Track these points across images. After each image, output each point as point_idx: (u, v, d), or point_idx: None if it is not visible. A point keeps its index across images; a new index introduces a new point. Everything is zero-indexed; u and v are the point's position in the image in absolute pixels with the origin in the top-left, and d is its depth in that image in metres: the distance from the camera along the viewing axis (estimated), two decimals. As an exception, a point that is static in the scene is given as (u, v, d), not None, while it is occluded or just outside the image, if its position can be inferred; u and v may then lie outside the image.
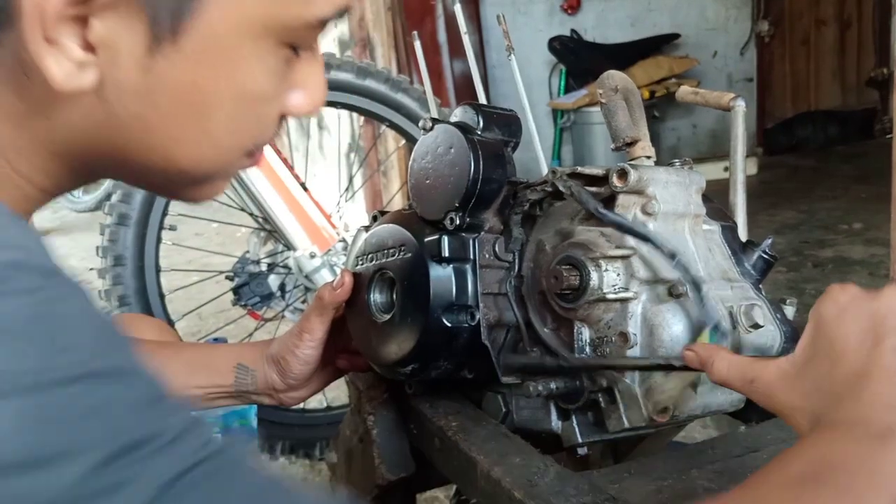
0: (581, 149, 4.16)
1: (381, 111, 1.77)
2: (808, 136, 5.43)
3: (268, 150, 1.62)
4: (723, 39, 5.08)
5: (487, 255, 0.77)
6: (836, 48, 5.55)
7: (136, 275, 1.58)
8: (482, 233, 0.78)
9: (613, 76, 0.81)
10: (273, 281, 1.77)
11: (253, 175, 1.60)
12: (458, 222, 0.75)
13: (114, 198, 1.59)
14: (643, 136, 0.81)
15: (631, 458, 0.88)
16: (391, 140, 3.55)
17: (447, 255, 0.75)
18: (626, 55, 4.28)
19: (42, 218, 4.86)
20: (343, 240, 1.72)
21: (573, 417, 0.74)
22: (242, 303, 1.75)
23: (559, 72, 4.53)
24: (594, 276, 0.72)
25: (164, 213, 1.63)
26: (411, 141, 1.84)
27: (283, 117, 0.54)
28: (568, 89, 4.45)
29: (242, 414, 1.40)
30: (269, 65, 0.49)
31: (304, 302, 1.80)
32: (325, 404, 1.85)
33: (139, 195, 1.59)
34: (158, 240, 1.63)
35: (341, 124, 3.88)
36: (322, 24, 0.50)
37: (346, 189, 1.90)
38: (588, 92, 4.19)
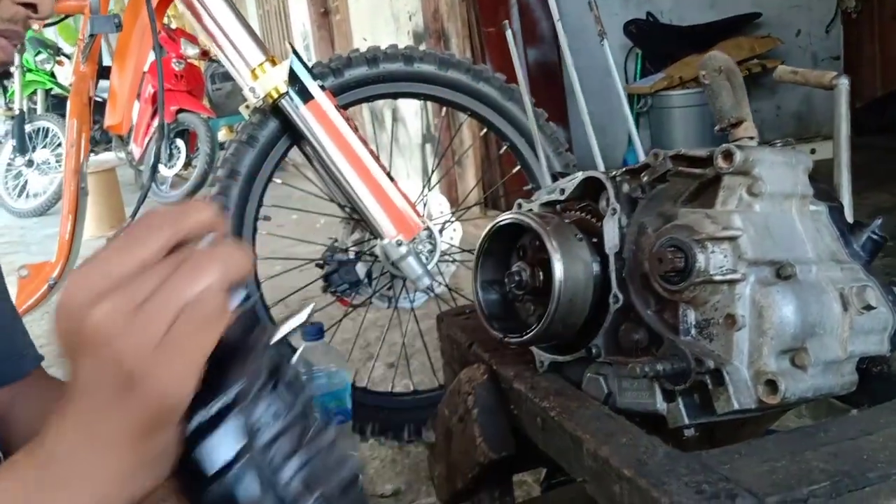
0: (659, 133, 4.08)
1: (463, 101, 1.79)
2: (900, 115, 5.19)
3: (355, 141, 1.66)
4: (806, 17, 4.90)
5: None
6: (930, 22, 5.27)
7: (233, 263, 1.64)
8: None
9: (716, 57, 0.81)
10: (361, 268, 1.81)
11: (341, 165, 1.64)
12: None
13: (213, 190, 1.66)
14: (747, 117, 0.80)
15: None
16: (466, 131, 3.57)
17: None
18: (705, 37, 4.17)
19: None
20: (428, 228, 1.75)
21: (679, 399, 0.74)
22: (332, 290, 1.80)
23: (635, 56, 4.45)
24: (700, 257, 0.72)
25: (260, 204, 1.69)
26: (492, 130, 1.85)
27: None
28: (644, 73, 4.37)
29: (338, 395, 1.44)
30: None
31: (389, 289, 1.84)
32: (411, 388, 1.89)
33: (236, 188, 1.65)
34: (254, 229, 1.69)
35: (415, 116, 3.92)
36: None
37: (429, 179, 1.92)
38: (665, 75, 4.11)
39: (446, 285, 1.81)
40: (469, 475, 0.92)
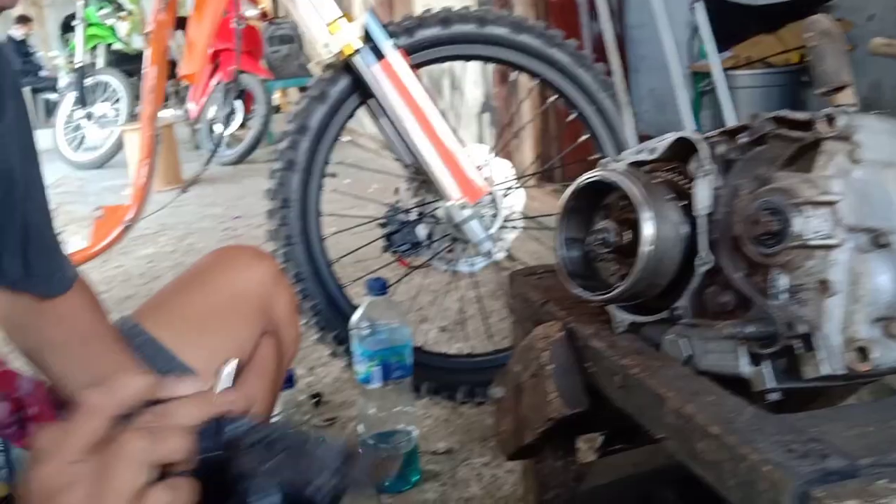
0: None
1: (534, 66, 1.78)
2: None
3: (425, 101, 1.66)
4: (881, 1, 4.72)
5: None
6: None
7: (300, 217, 1.67)
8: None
9: (821, 20, 0.79)
10: (422, 230, 1.82)
11: (410, 124, 1.65)
12: None
13: (282, 145, 1.68)
14: (850, 83, 0.78)
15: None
16: (526, 102, 3.54)
17: None
18: (775, 17, 4.05)
19: (188, 170, 5.17)
20: (491, 193, 1.75)
21: (765, 362, 0.74)
22: (393, 249, 1.82)
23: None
24: (797, 221, 0.71)
25: (327, 161, 1.71)
26: (561, 97, 1.84)
27: None
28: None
29: (399, 351, 1.47)
30: None
31: (450, 251, 1.86)
32: (465, 351, 1.91)
33: (305, 143, 1.67)
34: (320, 186, 1.71)
35: (473, 85, 3.90)
36: None
37: (495, 144, 1.92)
38: (732, 54, 4.01)
39: (506, 251, 1.81)
40: (539, 430, 0.93)
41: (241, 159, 5.56)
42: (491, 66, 3.74)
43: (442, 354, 1.86)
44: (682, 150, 0.84)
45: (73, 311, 0.87)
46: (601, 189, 0.88)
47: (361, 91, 1.69)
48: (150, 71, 1.84)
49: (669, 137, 0.84)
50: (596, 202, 0.89)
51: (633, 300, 0.84)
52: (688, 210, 0.81)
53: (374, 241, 1.86)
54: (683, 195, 0.81)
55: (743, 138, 0.78)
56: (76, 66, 6.16)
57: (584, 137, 1.88)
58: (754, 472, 0.61)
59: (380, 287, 1.47)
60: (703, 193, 0.79)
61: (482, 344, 2.00)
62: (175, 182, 4.80)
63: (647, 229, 0.78)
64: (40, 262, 0.83)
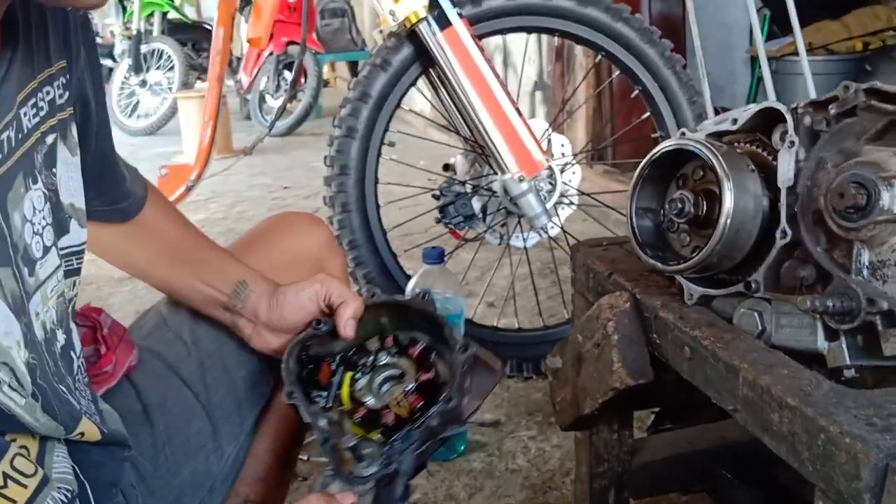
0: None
1: (599, 40, 1.75)
2: None
3: (488, 72, 1.66)
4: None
5: None
6: None
7: (358, 185, 1.68)
8: None
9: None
10: (476, 202, 1.82)
11: (471, 95, 1.64)
12: None
13: (343, 112, 1.69)
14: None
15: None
16: (580, 78, 3.50)
17: None
18: (840, 2, 3.93)
19: (238, 140, 5.22)
20: (550, 168, 1.74)
21: (842, 338, 0.73)
22: (446, 221, 1.82)
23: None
24: (885, 195, 0.69)
25: (386, 129, 1.71)
26: (626, 73, 1.81)
27: None
28: (770, 36, 4.17)
29: (453, 320, 1.47)
30: None
31: (503, 226, 1.85)
32: (516, 325, 1.91)
33: (365, 110, 1.68)
34: (379, 154, 1.72)
35: (528, 63, 3.86)
36: None
37: (554, 118, 1.90)
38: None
39: (561, 227, 1.80)
40: (599, 400, 0.93)
41: (289, 131, 5.61)
42: (546, 43, 3.70)
43: (492, 328, 1.86)
44: (766, 121, 0.82)
45: (156, 224, 0.92)
46: (677, 159, 0.86)
47: (423, 60, 1.69)
48: (217, 32, 1.87)
49: (754, 107, 0.83)
50: (671, 172, 0.88)
51: (706, 272, 0.83)
52: (768, 182, 0.79)
53: (426, 212, 1.87)
54: (765, 167, 0.80)
55: (832, 110, 0.76)
56: (132, 33, 6.25)
57: (644, 116, 1.85)
58: (833, 444, 0.60)
59: (437, 256, 1.48)
60: (786, 165, 0.77)
61: (530, 320, 2.00)
62: (227, 151, 4.86)
63: (727, 200, 0.77)
64: (115, 190, 0.87)
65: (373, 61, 1.69)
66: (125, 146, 5.81)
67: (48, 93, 0.68)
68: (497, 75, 1.67)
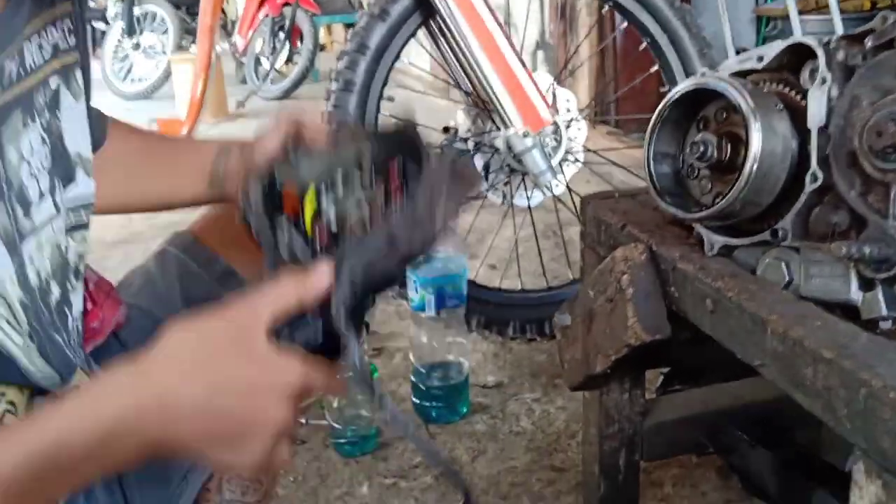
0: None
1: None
2: None
3: (491, 22, 1.59)
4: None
5: None
6: None
7: (356, 140, 1.62)
8: None
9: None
10: (478, 160, 1.76)
11: (474, 46, 1.57)
12: None
13: (340, 64, 1.62)
14: None
15: None
16: (582, 36, 3.41)
17: None
18: (849, -42, 3.83)
19: (234, 104, 5.13)
20: (555, 123, 1.68)
21: (879, 287, 0.68)
22: (447, 179, 1.76)
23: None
24: (928, 133, 0.64)
25: (385, 83, 1.65)
26: (633, 24, 1.74)
27: None
28: (776, -6, 4.08)
29: (454, 280, 1.43)
30: None
31: (506, 184, 1.79)
32: (520, 287, 1.86)
33: (363, 63, 1.61)
34: (378, 109, 1.65)
35: (531, 23, 3.77)
36: None
37: (560, 72, 1.83)
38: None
39: (566, 186, 1.74)
40: (612, 358, 0.88)
41: (285, 95, 5.51)
42: (548, 2, 3.61)
43: (495, 289, 1.81)
44: (795, 59, 0.76)
45: (123, 147, 0.86)
46: (698, 100, 0.81)
47: (424, 9, 1.62)
48: (207, -18, 1.79)
49: (780, 44, 0.77)
50: (691, 115, 0.83)
51: (728, 220, 0.78)
52: (797, 123, 0.74)
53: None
54: (793, 107, 0.74)
55: (868, 43, 0.70)
56: (125, -5, 6.11)
57: (652, 69, 1.79)
58: (876, 399, 0.55)
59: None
60: (818, 104, 0.72)
61: (533, 282, 1.96)
62: (221, 114, 4.78)
63: (755, 142, 0.71)
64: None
65: (371, 11, 1.62)
66: (119, 110, 5.72)
67: (52, 34, 0.66)
68: (501, 25, 1.60)
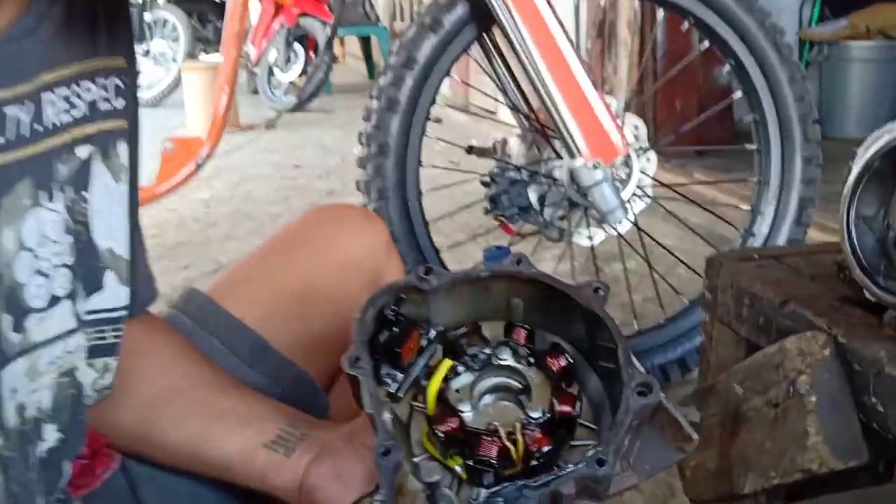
0: (830, 87, 3.61)
1: (688, 4, 1.48)
2: None
3: (559, 34, 1.38)
4: None
5: None
6: None
7: (398, 167, 1.41)
8: None
9: None
10: (533, 192, 1.55)
11: (539, 62, 1.36)
12: None
13: (383, 80, 1.41)
14: None
15: None
16: (623, 60, 3.21)
17: None
18: (900, -17, 3.63)
19: (245, 115, 4.96)
20: (626, 154, 1.47)
21: None
22: (497, 212, 1.55)
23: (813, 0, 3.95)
24: None
25: (432, 102, 1.44)
26: (715, 43, 1.54)
27: None
28: (821, 19, 3.88)
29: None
30: None
31: (561, 219, 1.58)
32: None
33: (410, 79, 1.40)
34: (423, 132, 1.44)
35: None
36: None
37: (630, 96, 1.62)
38: (849, 23, 3.62)
39: (634, 223, 1.53)
40: (775, 481, 0.66)
41: (298, 107, 5.33)
42: (584, 19, 3.41)
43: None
44: None
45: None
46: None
47: (480, 21, 1.41)
48: (235, -10, 1.58)
49: None
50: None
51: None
52: None
53: (475, 202, 1.60)
54: None
55: None
56: (137, 1, 5.96)
57: (735, 95, 1.58)
58: None
59: (502, 256, 1.21)
60: None
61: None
62: (234, 126, 4.58)
63: None
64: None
65: (421, 21, 1.41)
66: (125, 119, 5.54)
67: (88, 90, 0.51)
68: (570, 40, 1.39)
